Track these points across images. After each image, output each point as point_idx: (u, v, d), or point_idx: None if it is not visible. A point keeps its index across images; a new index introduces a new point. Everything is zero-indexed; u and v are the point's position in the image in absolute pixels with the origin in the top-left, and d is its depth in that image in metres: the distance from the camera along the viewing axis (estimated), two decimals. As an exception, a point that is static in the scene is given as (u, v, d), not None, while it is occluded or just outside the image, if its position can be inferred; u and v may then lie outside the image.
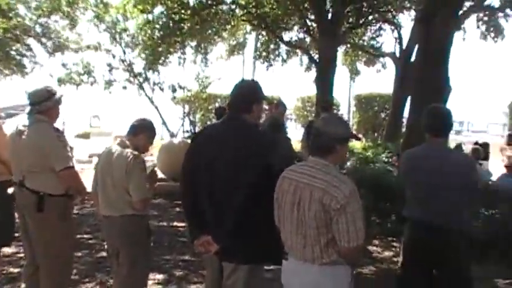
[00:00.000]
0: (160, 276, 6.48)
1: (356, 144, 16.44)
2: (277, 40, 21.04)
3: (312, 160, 3.23)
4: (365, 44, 22.71)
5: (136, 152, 4.57)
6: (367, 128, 29.02)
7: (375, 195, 8.37)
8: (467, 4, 17.48)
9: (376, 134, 25.10)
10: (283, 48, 22.75)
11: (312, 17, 17.86)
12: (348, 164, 11.87)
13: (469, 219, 4.96)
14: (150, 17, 17.83)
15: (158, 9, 17.66)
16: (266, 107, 12.04)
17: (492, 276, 6.59)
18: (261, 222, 3.61)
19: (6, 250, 6.62)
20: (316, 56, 18.44)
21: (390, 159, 13.71)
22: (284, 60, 23.44)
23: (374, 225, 8.42)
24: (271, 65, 22.98)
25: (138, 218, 4.59)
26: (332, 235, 3.05)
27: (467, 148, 13.77)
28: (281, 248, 3.40)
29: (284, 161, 7.59)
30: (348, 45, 22.96)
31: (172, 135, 19.68)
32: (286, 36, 21.49)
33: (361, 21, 18.42)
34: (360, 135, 24.69)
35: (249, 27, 21.90)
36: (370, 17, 19.56)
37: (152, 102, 19.96)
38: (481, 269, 6.33)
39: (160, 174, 12.32)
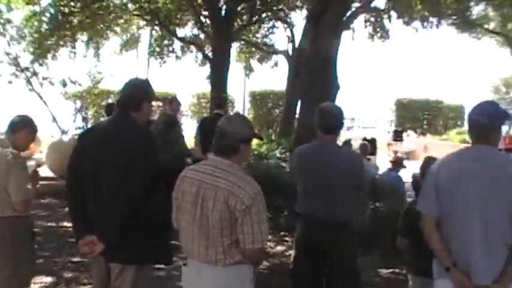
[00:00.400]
0: (48, 279, 6.21)
1: (250, 141, 16.55)
2: (171, 36, 20.87)
3: (215, 160, 3.17)
4: (258, 41, 23.01)
5: (16, 151, 4.34)
6: (261, 124, 29.43)
7: (268, 191, 8.48)
8: (356, 5, 18.19)
9: (270, 130, 25.49)
10: (177, 44, 22.57)
11: (206, 13, 17.87)
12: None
13: (354, 213, 5.17)
14: (37, 8, 17.06)
15: (45, 0, 16.96)
16: (160, 103, 11.89)
17: (376, 267, 6.92)
18: (149, 222, 3.56)
19: None
20: (210, 53, 18.46)
21: (284, 155, 13.99)
22: (178, 57, 23.28)
23: (267, 220, 8.53)
24: (165, 61, 22.77)
25: (19, 220, 4.36)
26: (236, 236, 3.03)
27: (356, 144, 14.29)
28: (171, 248, 3.35)
29: (178, 160, 7.59)
30: (242, 42, 23.18)
31: (63, 132, 18.90)
32: (181, 32, 21.40)
33: (254, 19, 18.66)
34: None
35: (142, 22, 21.54)
36: (263, 15, 19.86)
37: (41, 97, 19.04)
38: (367, 260, 6.65)
39: (49, 173, 11.84)
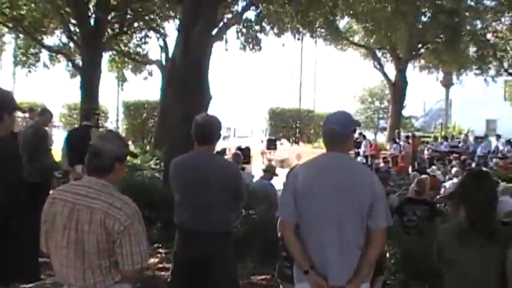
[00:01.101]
0: None
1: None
2: (37, 44, 19.97)
3: (89, 180, 3.05)
4: (131, 51, 22.64)
5: None
6: (135, 135, 28.98)
7: (141, 203, 8.36)
8: (228, 16, 18.48)
9: (145, 141, 25.15)
10: (45, 53, 21.65)
11: (75, 21, 17.30)
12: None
13: (232, 222, 5.24)
14: None
15: None
16: (27, 114, 11.34)
17: (249, 274, 7.04)
18: (12, 237, 3.39)
19: None
20: (80, 62, 17.89)
21: (158, 166, 13.87)
22: (46, 66, 22.34)
23: (146, 239, 8.39)
24: (30, 71, 21.78)
25: None
26: (115, 258, 2.94)
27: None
28: (37, 264, 3.20)
29: (44, 173, 7.26)
30: (114, 52, 22.68)
31: None
32: (49, 40, 20.54)
33: (125, 28, 18.33)
34: (129, 143, 24.56)
35: (5, 29, 20.45)
36: (135, 24, 19.58)
37: None
38: (240, 268, 6.74)
39: None
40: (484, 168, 15.52)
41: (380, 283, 5.09)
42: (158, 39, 21.37)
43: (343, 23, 28.01)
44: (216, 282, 4.32)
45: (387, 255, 6.56)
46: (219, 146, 17.00)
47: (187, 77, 9.44)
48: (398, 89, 29.72)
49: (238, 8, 18.39)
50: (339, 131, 3.49)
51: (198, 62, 9.28)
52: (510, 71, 29.20)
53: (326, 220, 3.36)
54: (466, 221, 3.39)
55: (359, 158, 20.58)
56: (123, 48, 22.12)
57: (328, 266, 3.35)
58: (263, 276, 6.97)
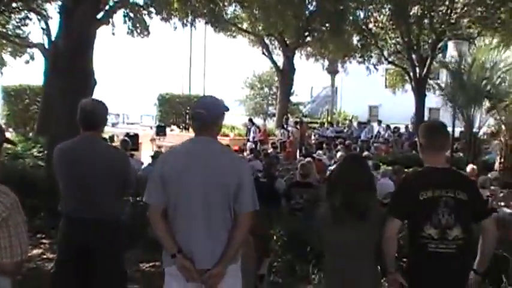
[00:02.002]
0: None
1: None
2: None
3: None
4: (9, 33, 21.39)
5: None
6: (17, 122, 27.56)
7: (22, 192, 8.00)
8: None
9: (27, 128, 23.98)
10: None
11: None
12: (-6, 160, 11.10)
13: (121, 209, 5.12)
14: None
15: None
16: None
17: (138, 261, 6.96)
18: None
19: None
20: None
21: (41, 154, 13.32)
22: None
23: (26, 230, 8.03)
24: None
25: None
26: None
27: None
28: None
29: None
30: (-10, 34, 21.36)
31: None
32: None
33: (2, 8, 17.28)
34: (10, 131, 23.40)
35: None
36: (14, 5, 18.52)
37: None
38: (129, 254, 6.65)
39: None
40: (366, 152, 16.26)
41: (266, 265, 5.20)
42: (40, 21, 20.36)
43: (231, 9, 28.13)
44: (102, 271, 4.23)
45: (274, 237, 6.75)
46: (107, 133, 16.60)
47: (70, 62, 9.09)
48: (286, 75, 30.35)
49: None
50: (206, 115, 3.51)
51: (82, 46, 8.96)
52: (390, 59, 30.67)
53: (192, 204, 3.39)
54: (341, 202, 3.55)
55: (248, 144, 20.85)
56: (0, 29, 20.86)
57: (195, 249, 3.39)
58: (152, 263, 6.92)
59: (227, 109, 3.72)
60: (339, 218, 3.53)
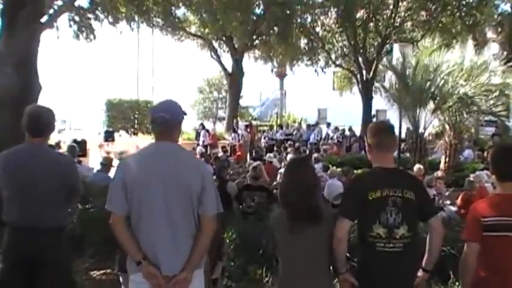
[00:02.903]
0: None
1: None
2: None
3: None
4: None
5: None
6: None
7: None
8: (59, 3, 17.57)
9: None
10: None
11: None
12: None
13: (67, 217, 5.02)
14: None
15: None
16: None
17: (89, 269, 6.83)
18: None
19: None
20: None
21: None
22: None
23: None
24: None
25: None
26: None
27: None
28: None
29: None
30: None
31: None
32: None
33: None
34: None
35: None
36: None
37: None
38: (78, 263, 6.53)
39: None
40: (316, 154, 16.44)
41: (219, 268, 5.18)
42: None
43: (179, 13, 28.00)
44: (48, 280, 4.13)
45: (227, 241, 6.74)
46: (53, 139, 16.20)
47: (14, 67, 8.84)
48: (235, 79, 30.44)
49: (70, -6, 17.53)
50: (169, 119, 3.48)
51: (25, 50, 8.74)
52: (337, 62, 31.14)
53: (156, 210, 3.35)
54: (292, 205, 3.58)
55: (198, 148, 20.76)
56: None
57: (160, 255, 3.35)
58: (103, 271, 6.81)
59: (185, 113, 3.68)
60: (292, 221, 3.55)
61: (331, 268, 3.62)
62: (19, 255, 4.10)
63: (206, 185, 3.43)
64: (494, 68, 16.12)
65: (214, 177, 9.85)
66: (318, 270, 3.56)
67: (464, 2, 24.56)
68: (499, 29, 28.22)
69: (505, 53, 25.80)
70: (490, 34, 29.01)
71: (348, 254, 3.64)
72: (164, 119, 3.46)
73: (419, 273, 3.59)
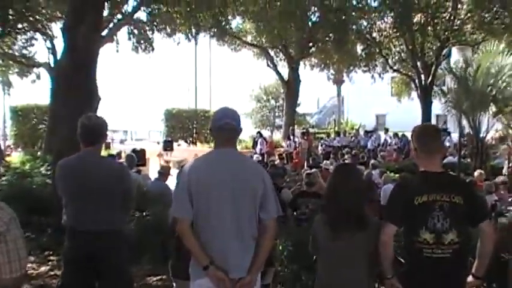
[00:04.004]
0: None
1: (13, 159, 15.67)
2: None
3: None
4: (16, 53, 21.60)
5: None
6: (25, 141, 27.76)
7: (30, 210, 8.12)
8: (119, 17, 18.14)
9: (35, 147, 24.12)
10: None
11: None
12: (4, 179, 11.26)
13: (125, 222, 5.17)
14: None
15: None
16: None
17: (145, 275, 6.98)
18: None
19: None
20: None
21: (49, 172, 13.38)
22: None
23: (28, 240, 8.09)
24: None
25: None
26: None
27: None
28: None
29: None
30: (-3, 55, 21.59)
31: None
32: None
33: (8, 30, 17.48)
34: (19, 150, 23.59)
35: None
36: (19, 26, 18.72)
37: None
38: (136, 268, 6.68)
39: None
40: (373, 161, 16.26)
41: (271, 274, 5.21)
42: (45, 40, 20.54)
43: (235, 23, 28.32)
44: (108, 282, 4.30)
45: (280, 247, 6.74)
46: (115, 150, 16.63)
47: (74, 79, 9.20)
48: (292, 87, 30.42)
49: (129, 8, 18.08)
50: (236, 126, 3.56)
51: (84, 62, 9.06)
52: (395, 67, 30.69)
53: (224, 214, 3.40)
54: (337, 211, 3.58)
55: (255, 156, 20.88)
56: (7, 50, 21.05)
57: (227, 259, 3.40)
58: (159, 277, 6.94)
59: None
60: (335, 226, 3.55)
61: (371, 275, 3.59)
62: (79, 259, 4.25)
63: (268, 189, 3.49)
64: (558, 69, 15.58)
65: (269, 184, 9.93)
66: (358, 278, 3.54)
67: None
68: None
69: None
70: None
71: (401, 259, 3.60)
72: (232, 126, 3.53)
73: (470, 279, 3.51)
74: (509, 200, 11.17)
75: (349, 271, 3.53)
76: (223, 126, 3.53)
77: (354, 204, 3.56)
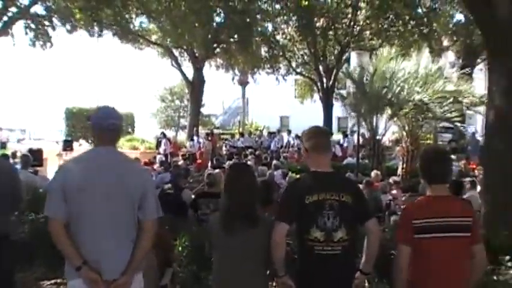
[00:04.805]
0: None
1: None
2: None
3: None
4: None
5: None
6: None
7: None
8: (13, 10, 17.34)
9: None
10: None
11: None
12: None
13: (16, 226, 4.94)
14: None
15: None
16: None
17: (38, 279, 6.72)
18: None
19: None
20: None
21: None
22: None
23: None
24: None
25: None
26: None
27: (21, 156, 13.59)
28: None
29: None
30: None
31: None
32: None
33: None
34: None
35: None
36: None
37: None
38: (29, 272, 6.42)
39: None
40: (275, 161, 16.51)
41: (169, 275, 5.16)
42: None
43: (138, 21, 27.85)
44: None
45: (180, 248, 6.70)
46: (10, 149, 15.88)
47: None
48: (197, 87, 30.29)
49: (25, 1, 17.33)
50: (119, 125, 3.53)
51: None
52: (298, 70, 31.37)
53: (98, 214, 3.34)
54: (230, 208, 3.61)
55: (158, 157, 20.64)
56: None
57: (102, 260, 3.34)
58: (53, 281, 6.70)
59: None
60: (228, 224, 3.58)
61: (268, 272, 3.65)
62: None
63: (147, 190, 3.46)
64: (448, 75, 16.55)
65: (170, 185, 9.85)
66: (252, 274, 3.58)
67: (414, 13, 25.04)
68: (455, 38, 28.83)
69: (460, 60, 26.59)
70: (446, 42, 29.64)
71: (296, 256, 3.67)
72: (117, 127, 3.51)
73: (357, 274, 3.64)
74: (402, 199, 11.72)
75: (243, 268, 3.56)
76: (109, 126, 3.49)
77: (246, 201, 3.60)
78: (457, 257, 3.39)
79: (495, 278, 5.42)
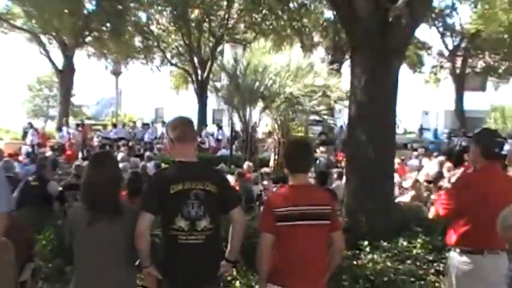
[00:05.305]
0: None
1: None
2: None
3: None
4: None
5: None
6: None
7: None
8: None
9: None
10: None
11: None
12: None
13: None
14: None
15: None
16: None
17: None
18: None
19: None
20: None
21: None
22: None
23: None
24: None
25: None
26: None
27: None
28: None
29: None
30: None
31: None
32: None
33: None
34: None
35: None
36: None
37: None
38: None
39: None
40: (148, 153, 16.30)
41: (29, 271, 4.92)
42: None
43: (2, 4, 26.21)
44: None
45: (44, 241, 6.44)
46: None
47: None
48: (66, 76, 29.00)
49: None
50: None
51: None
52: (173, 61, 31.14)
53: None
54: (91, 197, 3.52)
55: (24, 148, 19.64)
56: None
57: None
58: None
59: None
60: (90, 216, 3.48)
61: (130, 262, 3.59)
62: None
63: None
64: (319, 70, 17.19)
65: (35, 176, 9.40)
66: (116, 265, 3.51)
67: (287, 8, 25.75)
68: (325, 34, 29.94)
69: (330, 56, 27.74)
70: (317, 38, 30.73)
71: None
72: None
73: (223, 262, 3.68)
74: (273, 189, 12.04)
75: (106, 258, 3.48)
76: None
77: (107, 191, 3.52)
78: (317, 243, 3.56)
79: (355, 262, 5.72)
